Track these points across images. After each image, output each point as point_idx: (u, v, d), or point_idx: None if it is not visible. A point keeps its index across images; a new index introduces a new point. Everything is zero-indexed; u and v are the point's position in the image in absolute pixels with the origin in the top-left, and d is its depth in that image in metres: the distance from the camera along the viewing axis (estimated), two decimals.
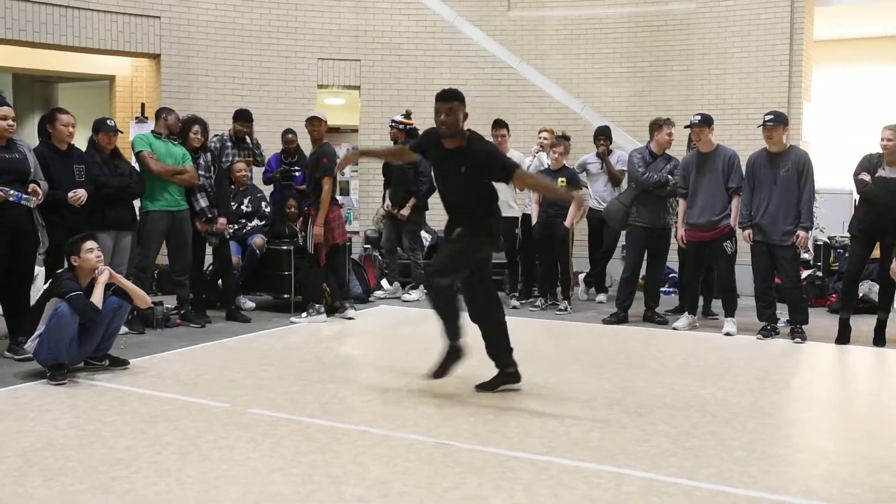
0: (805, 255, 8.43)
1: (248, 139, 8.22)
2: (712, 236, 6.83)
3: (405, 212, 8.42)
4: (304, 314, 7.16)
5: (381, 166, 9.06)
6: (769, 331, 6.63)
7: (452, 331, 4.71)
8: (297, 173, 8.38)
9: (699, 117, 6.84)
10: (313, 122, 7.29)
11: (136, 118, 9.44)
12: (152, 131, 6.91)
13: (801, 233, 6.48)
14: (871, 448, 3.90)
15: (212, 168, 7.09)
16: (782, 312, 6.78)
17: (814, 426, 4.44)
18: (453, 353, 4.73)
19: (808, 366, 6.04)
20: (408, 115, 8.77)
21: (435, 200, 9.11)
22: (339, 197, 9.89)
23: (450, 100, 4.62)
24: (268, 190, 8.60)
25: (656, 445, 3.79)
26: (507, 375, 4.81)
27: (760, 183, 6.62)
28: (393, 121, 8.66)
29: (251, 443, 3.75)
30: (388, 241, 8.84)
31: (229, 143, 7.97)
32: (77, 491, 3.12)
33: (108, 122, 6.44)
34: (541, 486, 3.25)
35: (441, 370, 4.74)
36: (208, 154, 7.12)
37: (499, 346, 4.81)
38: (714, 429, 4.08)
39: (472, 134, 4.72)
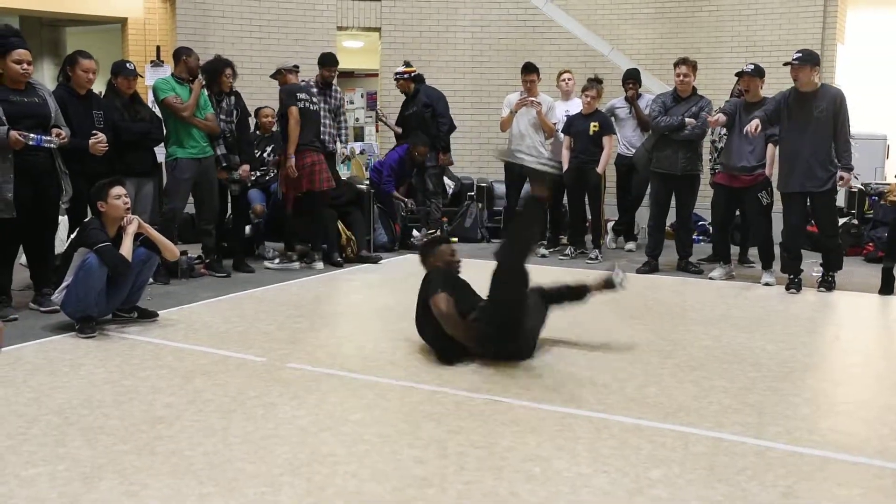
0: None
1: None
2: (749, 182, 6.58)
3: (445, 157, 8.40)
4: (277, 260, 7.21)
5: (398, 115, 8.89)
6: (796, 283, 6.39)
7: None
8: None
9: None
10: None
11: (152, 62, 9.17)
12: (172, 75, 6.66)
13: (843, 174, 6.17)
14: None
15: (234, 112, 6.85)
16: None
17: (873, 381, 4.25)
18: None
19: (856, 317, 5.87)
20: (407, 64, 8.63)
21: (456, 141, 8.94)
22: (354, 143, 9.70)
23: None
24: None
25: (717, 402, 3.64)
26: None
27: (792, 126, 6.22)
28: (397, 73, 8.54)
29: (295, 399, 3.61)
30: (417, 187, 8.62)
31: (314, 90, 7.71)
32: (121, 451, 2.98)
33: (127, 65, 6.21)
34: (603, 445, 3.10)
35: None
36: (232, 97, 6.86)
37: None
38: (773, 384, 3.92)
39: None
